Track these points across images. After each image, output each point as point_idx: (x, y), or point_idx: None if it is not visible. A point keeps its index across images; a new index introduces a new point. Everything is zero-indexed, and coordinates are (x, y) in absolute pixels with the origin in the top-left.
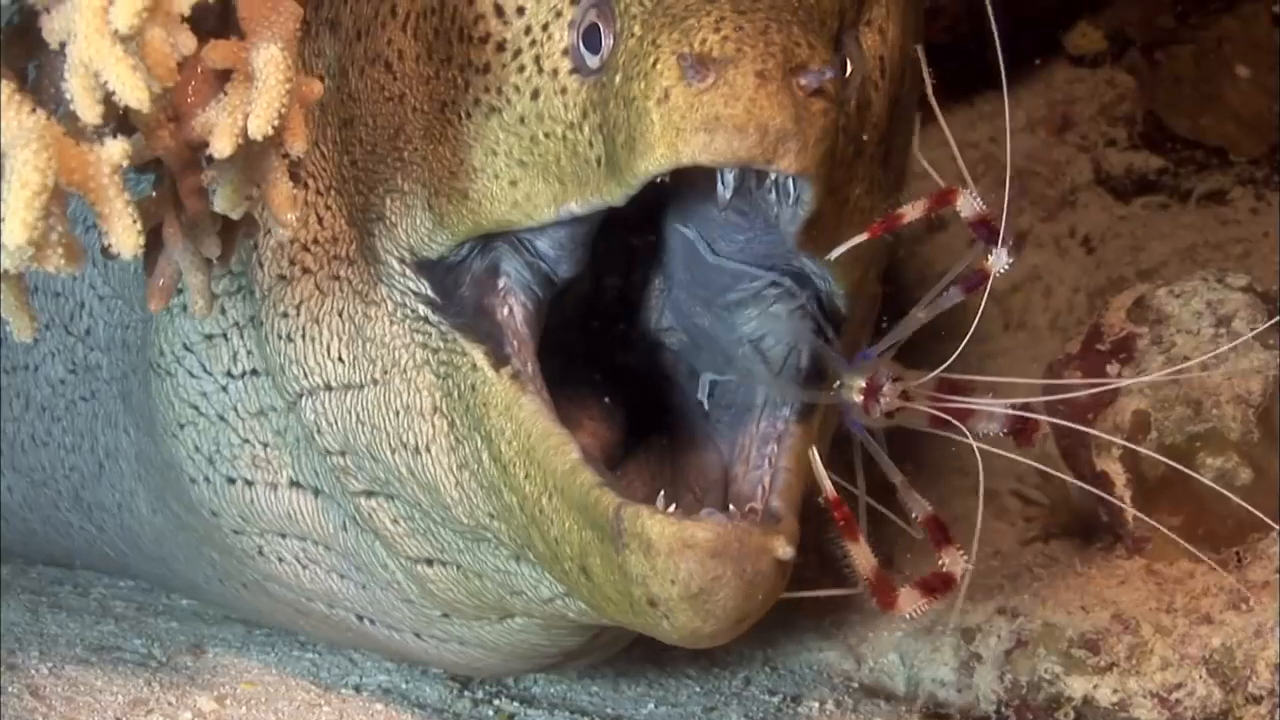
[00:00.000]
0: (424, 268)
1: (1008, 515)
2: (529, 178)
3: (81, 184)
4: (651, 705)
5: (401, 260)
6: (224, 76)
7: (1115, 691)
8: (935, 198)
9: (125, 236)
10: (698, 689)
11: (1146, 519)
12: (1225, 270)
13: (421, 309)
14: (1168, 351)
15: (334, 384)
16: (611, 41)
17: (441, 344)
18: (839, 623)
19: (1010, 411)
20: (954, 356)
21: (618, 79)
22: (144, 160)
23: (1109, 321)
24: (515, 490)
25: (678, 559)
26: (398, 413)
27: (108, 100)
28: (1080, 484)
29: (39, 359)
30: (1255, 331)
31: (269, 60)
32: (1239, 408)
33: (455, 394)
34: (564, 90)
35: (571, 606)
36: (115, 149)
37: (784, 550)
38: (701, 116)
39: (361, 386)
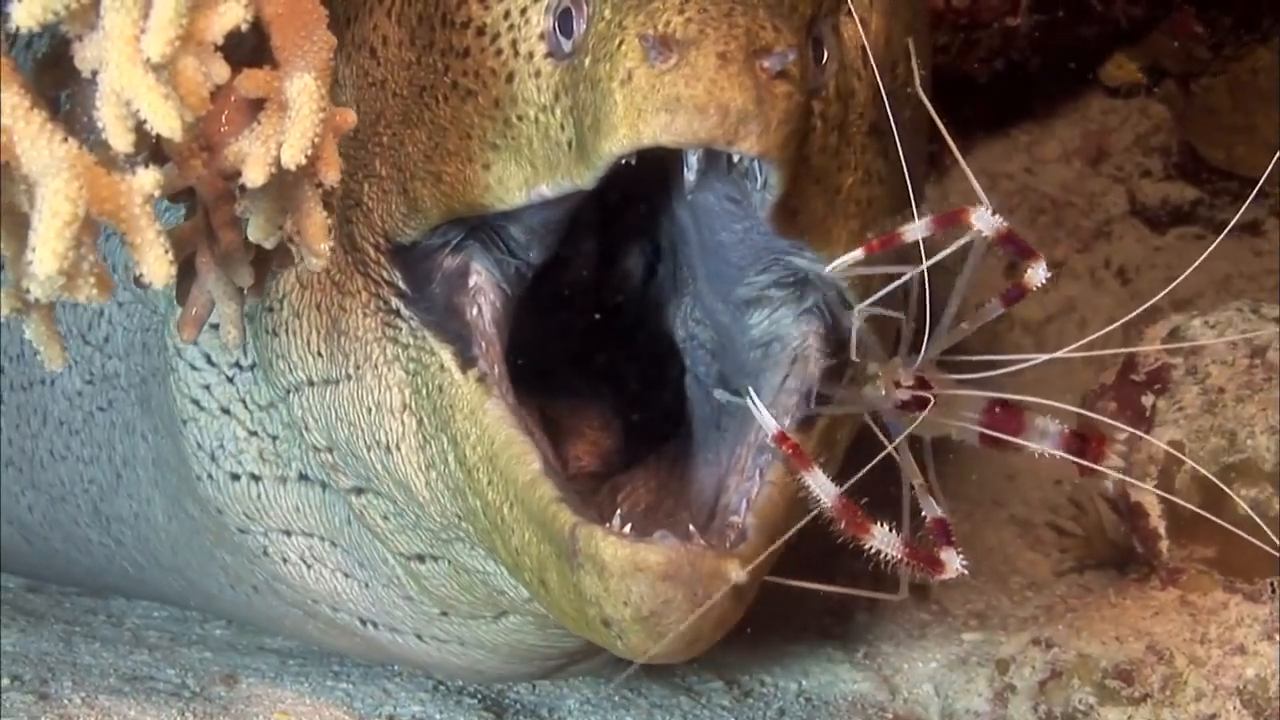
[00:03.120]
0: (397, 255)
1: (1042, 546)
2: (501, 161)
3: (113, 214)
4: None
5: (376, 247)
6: (257, 105)
7: None
8: (942, 217)
9: (157, 266)
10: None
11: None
12: (1260, 301)
13: (394, 301)
14: (1202, 382)
15: (315, 379)
16: (584, 25)
17: (411, 340)
18: (873, 654)
19: (1066, 429)
20: (990, 369)
21: (587, 61)
22: (176, 190)
23: (1144, 352)
24: (479, 495)
25: (629, 581)
26: (370, 409)
27: (139, 129)
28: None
29: (55, 372)
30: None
31: (302, 90)
32: (1273, 438)
33: (424, 392)
34: (538, 73)
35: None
36: (147, 179)
37: (737, 574)
38: (663, 97)
39: (338, 382)
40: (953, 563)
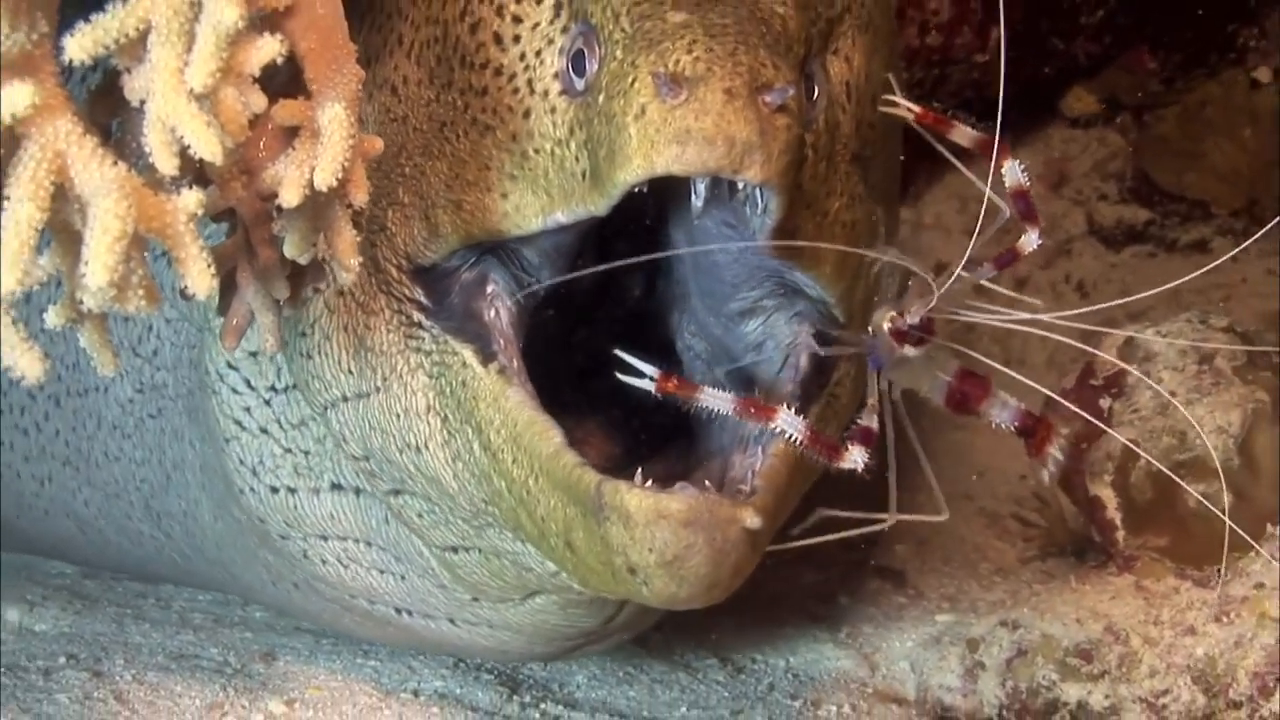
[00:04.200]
0: (419, 275)
1: (1009, 536)
2: (518, 190)
3: (160, 230)
4: (684, 708)
5: (399, 268)
6: (292, 133)
7: (1107, 697)
8: (996, 144)
9: (200, 279)
10: (726, 694)
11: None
12: (1208, 313)
13: (415, 315)
14: (1155, 386)
15: (348, 395)
16: (596, 65)
17: (434, 346)
18: (854, 634)
19: (1023, 407)
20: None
21: (601, 98)
22: (218, 210)
23: (1102, 359)
24: (504, 475)
25: (653, 528)
26: (398, 416)
27: (184, 154)
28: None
29: (108, 380)
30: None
31: (333, 118)
32: (1220, 438)
33: (447, 391)
34: (553, 110)
35: (573, 578)
36: (190, 199)
37: (752, 520)
38: (674, 130)
39: (368, 395)
40: (854, 455)
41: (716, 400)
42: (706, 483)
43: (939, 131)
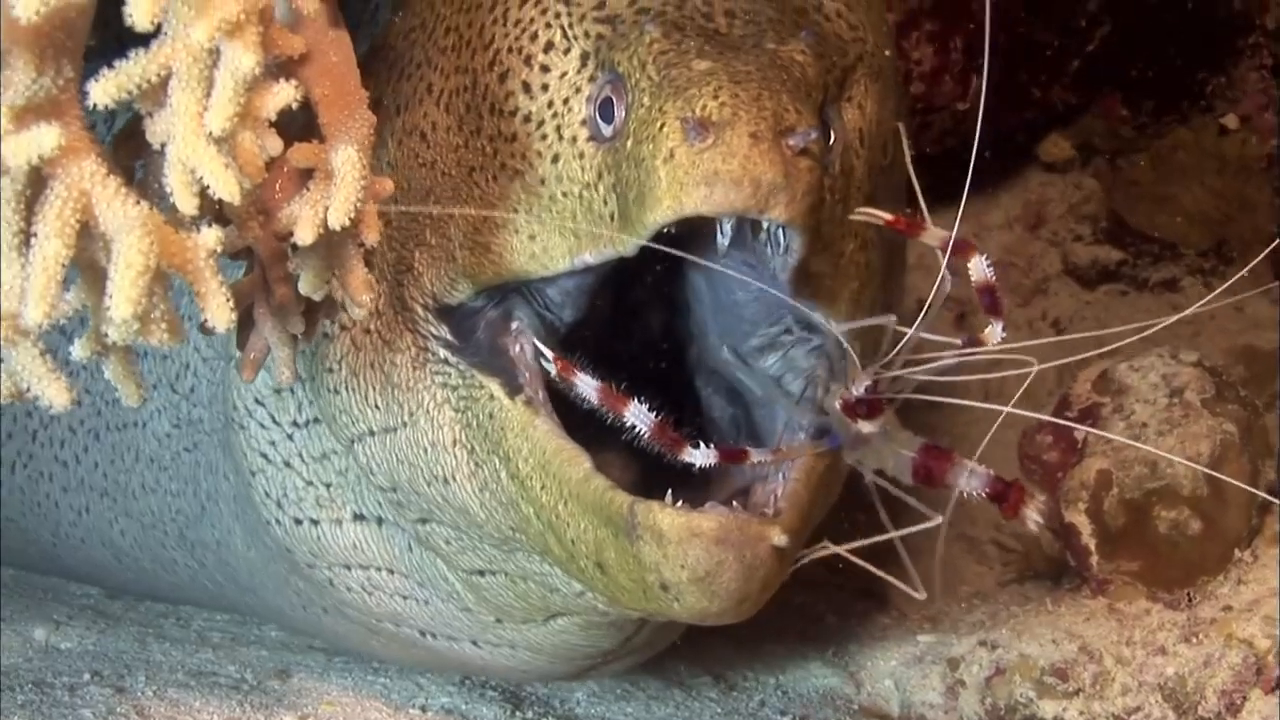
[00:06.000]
0: (445, 314)
1: (988, 560)
2: (546, 232)
3: (180, 266)
4: None
5: (425, 307)
6: (307, 175)
7: (1081, 714)
8: (957, 243)
9: (219, 313)
10: (719, 710)
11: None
12: (1178, 348)
13: (442, 352)
14: (1128, 418)
15: (375, 429)
16: (624, 112)
17: (460, 381)
18: (840, 653)
19: (993, 474)
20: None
21: (629, 143)
22: (236, 248)
23: (1076, 392)
24: (532, 501)
25: (686, 546)
26: (425, 449)
27: (203, 194)
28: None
29: (147, 415)
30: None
31: (346, 161)
32: (1189, 467)
33: (474, 424)
34: (581, 155)
35: (600, 599)
36: (210, 236)
37: (779, 538)
38: (702, 172)
39: (395, 429)
40: (695, 453)
41: (582, 384)
42: (735, 503)
43: (911, 235)
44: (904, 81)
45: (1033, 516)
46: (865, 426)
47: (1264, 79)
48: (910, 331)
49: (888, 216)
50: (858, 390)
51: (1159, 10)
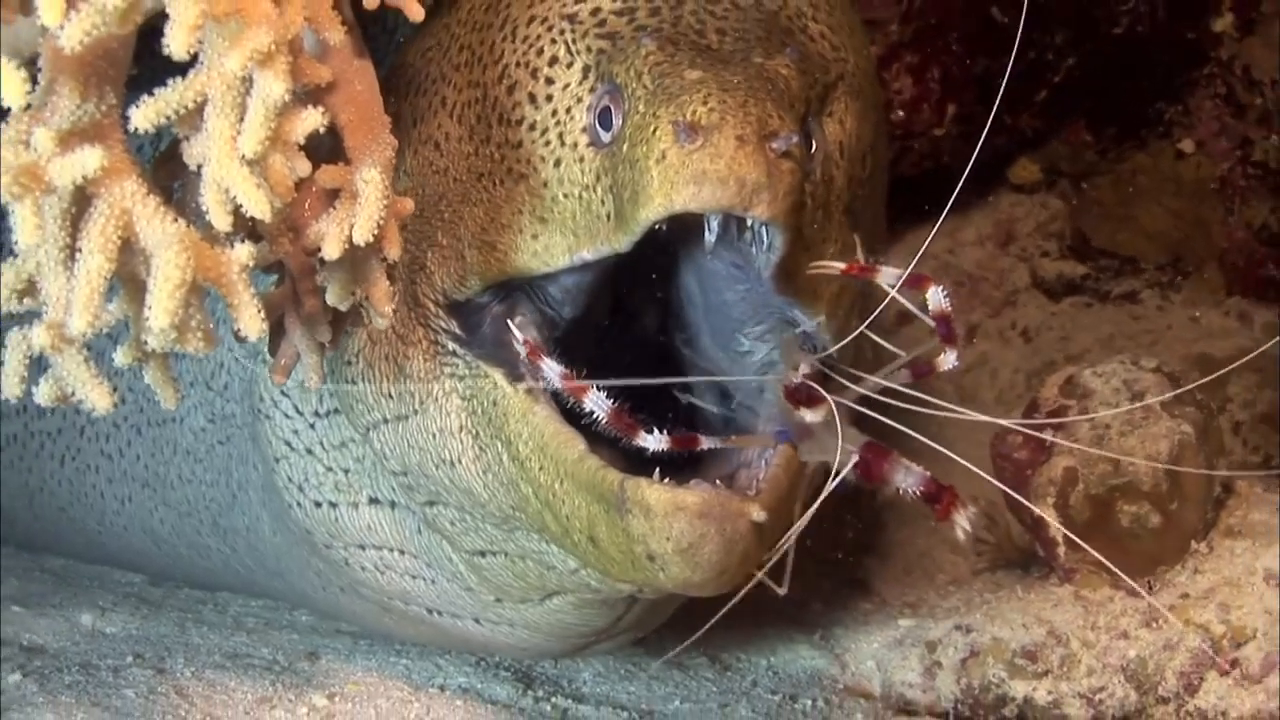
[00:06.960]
0: (454, 309)
1: (962, 551)
2: (548, 231)
3: (215, 279)
4: (677, 702)
5: (436, 303)
6: (333, 194)
7: (1050, 693)
8: (911, 278)
9: (251, 323)
10: (714, 689)
11: (1081, 545)
12: (1138, 355)
13: (450, 344)
14: (1092, 420)
15: (389, 417)
16: (620, 120)
17: (467, 371)
18: (827, 636)
19: (928, 475)
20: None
21: (625, 147)
22: (268, 263)
23: (1044, 396)
24: (531, 481)
25: (671, 519)
26: (434, 435)
27: (237, 213)
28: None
29: (184, 412)
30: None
31: (369, 181)
32: (1150, 465)
33: (479, 411)
34: (581, 159)
35: (592, 575)
36: (243, 251)
37: (758, 514)
38: (691, 172)
39: (407, 417)
40: (649, 439)
41: (593, 401)
42: (718, 481)
43: (866, 278)
44: (885, 109)
45: (961, 523)
46: (808, 415)
47: (1218, 107)
48: (886, 372)
49: (841, 266)
50: (796, 378)
51: (1120, 44)
